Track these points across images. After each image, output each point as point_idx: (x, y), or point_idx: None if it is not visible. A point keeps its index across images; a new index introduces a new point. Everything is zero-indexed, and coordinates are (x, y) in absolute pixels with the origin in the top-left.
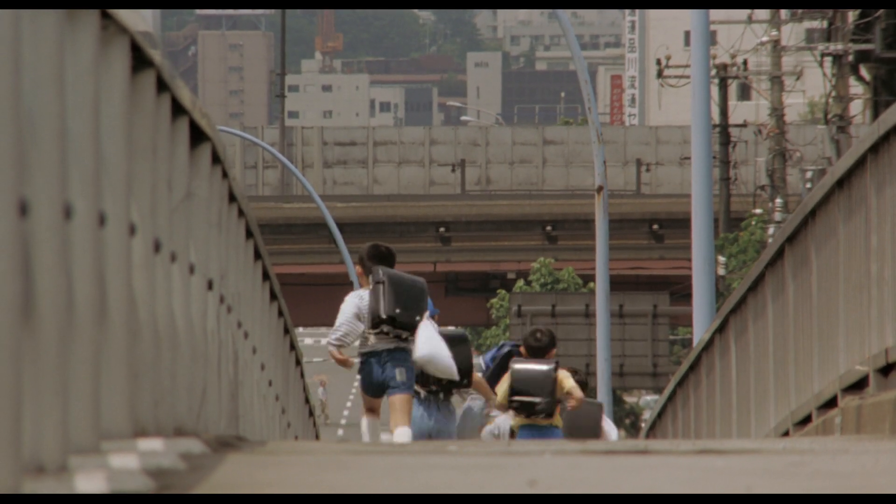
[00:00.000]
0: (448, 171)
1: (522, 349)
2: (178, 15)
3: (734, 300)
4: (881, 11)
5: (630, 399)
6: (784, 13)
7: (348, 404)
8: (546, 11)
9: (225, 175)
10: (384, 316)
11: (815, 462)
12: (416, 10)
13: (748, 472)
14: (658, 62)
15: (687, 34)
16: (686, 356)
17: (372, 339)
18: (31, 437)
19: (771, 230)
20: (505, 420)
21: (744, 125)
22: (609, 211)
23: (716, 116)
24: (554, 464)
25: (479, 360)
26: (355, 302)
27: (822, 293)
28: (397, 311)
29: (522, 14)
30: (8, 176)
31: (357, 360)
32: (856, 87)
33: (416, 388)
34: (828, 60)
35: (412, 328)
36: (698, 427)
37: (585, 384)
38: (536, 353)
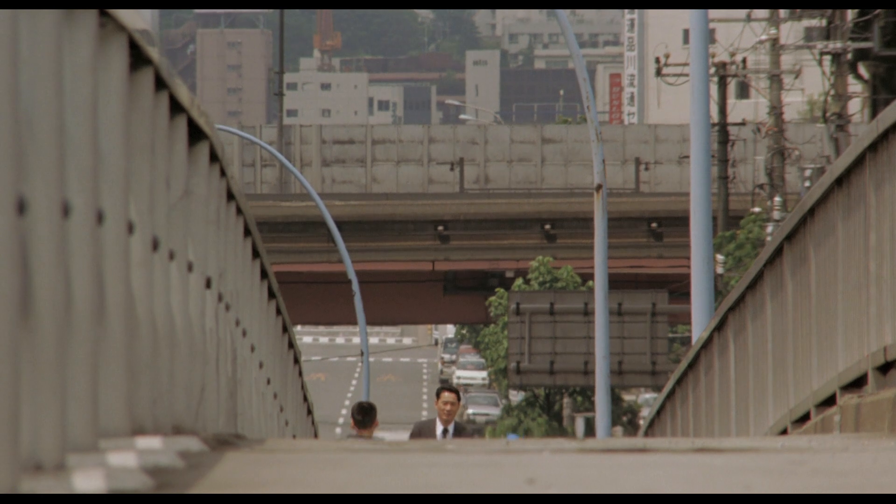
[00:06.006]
0: (447, 169)
1: None
2: (176, 13)
3: (733, 298)
4: (880, 10)
5: (628, 397)
6: (783, 12)
7: (346, 402)
8: (545, 10)
9: (223, 173)
10: None
11: (814, 460)
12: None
13: (747, 471)
14: (657, 60)
15: (686, 32)
16: (685, 354)
17: None
18: (29, 436)
19: (770, 229)
20: None
21: (743, 123)
22: (608, 209)
23: (715, 115)
24: (552, 462)
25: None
26: None
27: (820, 291)
28: None
29: (521, 12)
30: (6, 174)
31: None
32: (854, 86)
33: None
34: (827, 59)
35: None
36: (697, 425)
37: None
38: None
